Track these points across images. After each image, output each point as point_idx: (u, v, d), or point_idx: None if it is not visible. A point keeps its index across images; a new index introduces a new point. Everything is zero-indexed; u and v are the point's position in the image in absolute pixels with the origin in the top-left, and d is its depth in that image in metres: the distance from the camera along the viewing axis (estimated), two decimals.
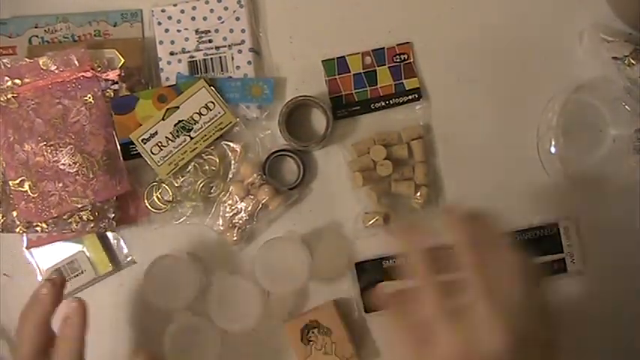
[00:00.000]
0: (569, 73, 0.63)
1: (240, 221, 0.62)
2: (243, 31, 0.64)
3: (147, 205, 0.63)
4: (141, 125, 0.61)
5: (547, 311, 0.38)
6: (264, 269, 0.58)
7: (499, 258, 0.37)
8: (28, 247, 0.62)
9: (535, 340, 0.36)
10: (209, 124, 0.62)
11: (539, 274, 0.40)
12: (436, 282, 0.38)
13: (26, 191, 0.60)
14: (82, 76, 0.62)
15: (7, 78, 0.61)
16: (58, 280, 0.52)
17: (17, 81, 0.61)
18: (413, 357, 0.37)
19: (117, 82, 0.62)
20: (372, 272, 0.62)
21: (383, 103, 0.63)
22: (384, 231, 0.62)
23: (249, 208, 0.62)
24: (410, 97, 0.63)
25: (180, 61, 0.64)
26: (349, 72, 0.64)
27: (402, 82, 0.64)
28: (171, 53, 0.64)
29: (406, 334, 0.38)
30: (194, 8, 0.64)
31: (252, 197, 0.62)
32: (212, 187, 0.62)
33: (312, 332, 0.58)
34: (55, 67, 0.62)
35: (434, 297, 0.37)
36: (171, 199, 0.62)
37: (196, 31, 0.64)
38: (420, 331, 0.37)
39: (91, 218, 0.61)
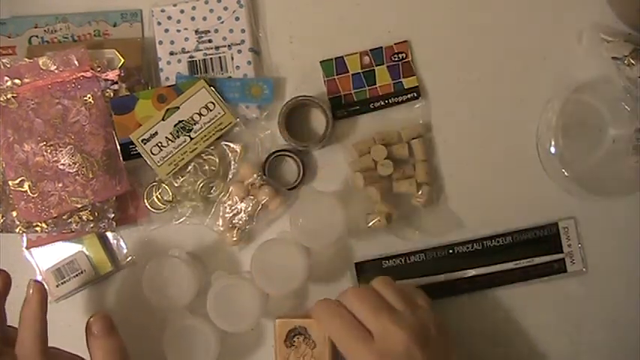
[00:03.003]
0: (569, 73, 0.63)
1: (240, 221, 0.62)
2: (242, 31, 0.64)
3: (147, 205, 0.63)
4: (140, 125, 0.61)
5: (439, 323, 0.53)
6: (261, 270, 0.58)
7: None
8: (27, 247, 0.62)
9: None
10: (209, 124, 0.62)
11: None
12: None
13: (26, 191, 0.60)
14: (82, 76, 0.62)
15: (6, 78, 0.61)
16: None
17: (17, 81, 0.61)
18: (356, 349, 0.51)
19: (116, 82, 0.62)
20: (372, 272, 0.62)
21: (382, 103, 0.64)
22: (385, 231, 0.62)
23: (249, 209, 0.62)
24: (409, 95, 0.63)
25: (179, 61, 0.64)
26: (348, 72, 0.64)
27: (401, 81, 0.64)
28: (171, 53, 0.64)
29: (350, 330, 0.51)
30: (194, 8, 0.64)
31: (252, 198, 0.62)
32: (212, 187, 0.62)
33: (298, 338, 0.57)
34: (55, 67, 0.62)
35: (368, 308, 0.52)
36: (171, 199, 0.62)
37: (196, 31, 0.64)
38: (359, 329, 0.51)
39: (91, 218, 0.61)
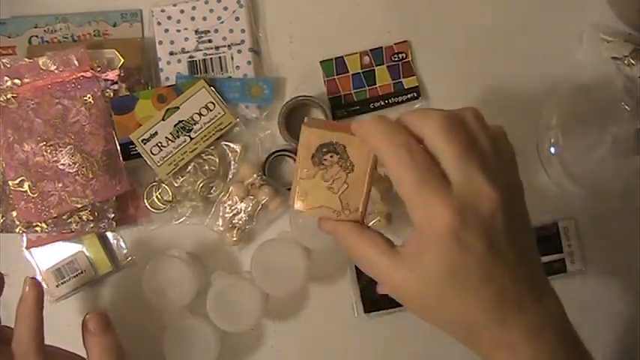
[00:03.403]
0: (569, 73, 0.63)
1: (240, 221, 0.62)
2: (242, 31, 0.64)
3: (146, 205, 0.63)
4: (140, 125, 0.61)
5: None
6: (261, 270, 0.58)
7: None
8: (27, 247, 0.62)
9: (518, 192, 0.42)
10: (209, 124, 0.62)
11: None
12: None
13: (26, 191, 0.60)
14: (82, 76, 0.62)
15: (6, 78, 0.61)
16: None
17: (17, 81, 0.61)
18: (419, 192, 0.38)
19: (116, 82, 0.62)
20: None
21: (382, 103, 0.64)
22: (385, 231, 0.62)
23: (249, 209, 0.62)
24: (409, 95, 0.63)
25: (179, 61, 0.64)
26: (348, 72, 0.64)
27: (401, 81, 0.64)
28: (171, 53, 0.64)
29: (422, 171, 0.38)
30: (194, 8, 0.64)
31: (252, 198, 0.62)
32: (212, 187, 0.62)
33: (332, 156, 0.44)
34: (55, 67, 0.62)
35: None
36: (170, 199, 0.62)
37: (196, 31, 0.64)
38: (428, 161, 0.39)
39: (91, 218, 0.61)
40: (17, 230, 0.61)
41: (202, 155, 0.62)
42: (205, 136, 0.61)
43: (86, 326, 0.55)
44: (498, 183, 0.39)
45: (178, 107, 0.61)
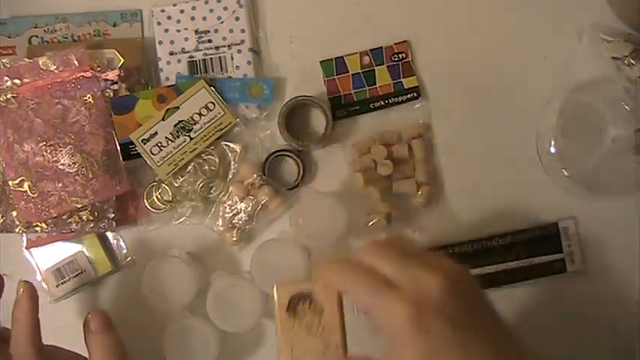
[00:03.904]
0: (569, 73, 0.63)
1: (240, 222, 0.62)
2: (242, 31, 0.64)
3: (146, 205, 0.63)
4: (140, 125, 0.61)
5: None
6: (261, 270, 0.58)
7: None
8: (27, 247, 0.62)
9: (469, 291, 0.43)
10: (209, 124, 0.62)
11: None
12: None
13: (26, 191, 0.60)
14: (82, 76, 0.62)
15: (6, 78, 0.61)
16: None
17: (17, 81, 0.61)
18: (375, 299, 0.42)
19: (116, 82, 0.62)
20: None
21: (382, 103, 0.63)
22: (385, 231, 0.62)
23: (249, 209, 0.62)
24: (409, 95, 0.63)
25: (179, 61, 0.64)
26: (348, 72, 0.64)
27: (401, 81, 0.64)
28: (171, 53, 0.64)
29: (374, 283, 0.42)
30: (193, 8, 0.64)
31: (251, 198, 0.62)
32: (212, 187, 0.62)
33: (303, 304, 0.49)
34: (55, 67, 0.62)
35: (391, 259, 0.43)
36: (170, 199, 0.62)
37: (196, 31, 0.64)
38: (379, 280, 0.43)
39: (91, 218, 0.61)
40: (17, 230, 0.61)
41: (202, 155, 0.62)
42: (205, 136, 0.62)
43: (88, 326, 0.55)
44: (437, 271, 0.41)
45: (178, 107, 0.61)
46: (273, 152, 0.63)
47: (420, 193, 0.61)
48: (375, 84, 0.64)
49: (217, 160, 0.62)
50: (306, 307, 0.49)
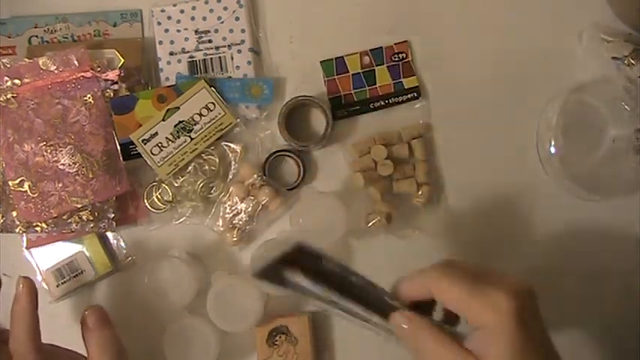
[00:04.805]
0: (569, 73, 0.63)
1: (240, 222, 0.62)
2: (242, 31, 0.64)
3: (147, 205, 0.63)
4: (140, 125, 0.61)
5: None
6: None
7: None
8: (27, 247, 0.62)
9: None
10: (209, 124, 0.62)
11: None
12: None
13: (26, 191, 0.60)
14: (82, 76, 0.62)
15: (6, 78, 0.61)
16: None
17: (17, 81, 0.61)
18: (474, 292, 0.42)
19: (116, 82, 0.62)
20: None
21: (382, 103, 0.63)
22: (385, 231, 0.62)
23: (249, 209, 0.62)
24: (409, 95, 0.63)
25: (179, 61, 0.64)
26: (348, 72, 0.64)
27: (401, 81, 0.64)
28: (171, 53, 0.64)
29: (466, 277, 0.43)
30: (194, 8, 0.64)
31: (252, 198, 0.62)
32: (212, 187, 0.62)
33: (280, 336, 0.59)
34: (55, 67, 0.62)
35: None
36: (171, 199, 0.62)
37: (196, 31, 0.64)
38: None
39: (91, 218, 0.61)
40: (17, 230, 0.61)
41: (202, 155, 0.62)
42: (206, 136, 0.61)
43: (85, 322, 0.55)
44: (522, 281, 0.43)
45: (179, 107, 0.61)
46: (274, 152, 0.63)
47: (420, 193, 0.61)
48: (375, 84, 0.64)
49: (217, 161, 0.62)
50: (283, 338, 0.59)
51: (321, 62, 0.64)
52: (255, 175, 0.62)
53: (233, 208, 0.62)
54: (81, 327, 0.55)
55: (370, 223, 0.61)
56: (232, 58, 0.64)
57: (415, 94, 0.63)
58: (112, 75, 0.62)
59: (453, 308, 0.43)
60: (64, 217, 0.61)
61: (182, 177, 0.62)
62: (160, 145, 0.61)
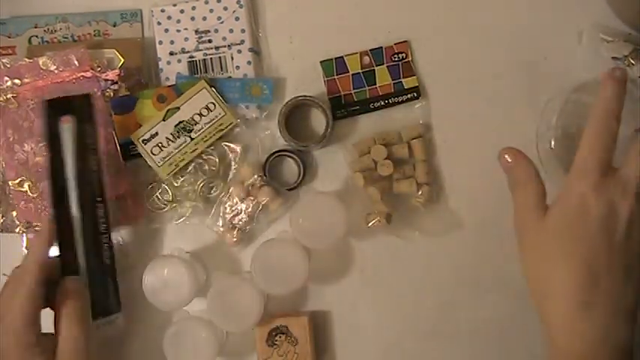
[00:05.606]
0: (569, 73, 0.63)
1: (241, 222, 0.62)
2: (242, 31, 0.64)
3: (147, 205, 0.63)
4: (140, 125, 0.61)
5: None
6: (261, 270, 0.58)
7: None
8: (27, 247, 0.62)
9: None
10: (210, 125, 0.62)
11: None
12: None
13: (26, 191, 0.60)
14: (82, 76, 0.62)
15: (6, 78, 0.61)
16: None
17: (17, 81, 0.62)
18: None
19: (116, 82, 0.62)
20: None
21: (382, 103, 0.64)
22: (385, 231, 0.62)
23: (250, 210, 0.62)
24: (409, 95, 0.63)
25: (179, 61, 0.64)
26: (348, 72, 0.64)
27: (401, 81, 0.64)
28: (171, 53, 0.64)
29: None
30: (193, 8, 0.64)
31: (252, 198, 0.62)
32: (212, 187, 0.62)
33: (280, 336, 0.59)
34: (55, 67, 0.62)
35: None
36: (171, 199, 0.62)
37: (196, 31, 0.64)
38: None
39: None
40: (17, 230, 0.61)
41: (202, 155, 0.62)
42: (206, 136, 0.62)
43: (62, 287, 0.53)
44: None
45: (179, 108, 0.61)
46: (274, 152, 0.63)
47: (420, 193, 0.61)
48: (375, 84, 0.64)
49: (217, 161, 0.63)
50: (282, 338, 0.59)
51: (321, 62, 0.64)
52: (256, 175, 0.62)
53: (233, 208, 0.62)
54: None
55: (370, 223, 0.61)
56: (232, 58, 0.64)
57: (415, 94, 0.64)
58: (112, 75, 0.62)
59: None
60: None
61: (182, 177, 0.62)
62: (160, 145, 0.61)
